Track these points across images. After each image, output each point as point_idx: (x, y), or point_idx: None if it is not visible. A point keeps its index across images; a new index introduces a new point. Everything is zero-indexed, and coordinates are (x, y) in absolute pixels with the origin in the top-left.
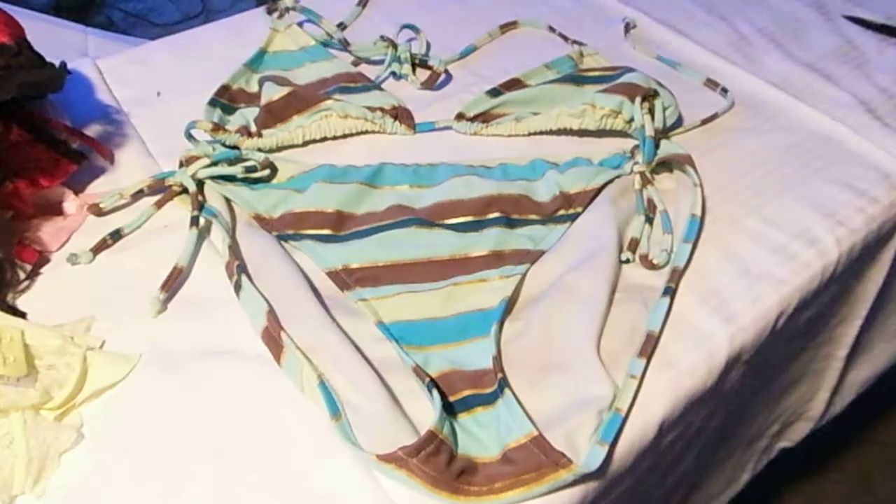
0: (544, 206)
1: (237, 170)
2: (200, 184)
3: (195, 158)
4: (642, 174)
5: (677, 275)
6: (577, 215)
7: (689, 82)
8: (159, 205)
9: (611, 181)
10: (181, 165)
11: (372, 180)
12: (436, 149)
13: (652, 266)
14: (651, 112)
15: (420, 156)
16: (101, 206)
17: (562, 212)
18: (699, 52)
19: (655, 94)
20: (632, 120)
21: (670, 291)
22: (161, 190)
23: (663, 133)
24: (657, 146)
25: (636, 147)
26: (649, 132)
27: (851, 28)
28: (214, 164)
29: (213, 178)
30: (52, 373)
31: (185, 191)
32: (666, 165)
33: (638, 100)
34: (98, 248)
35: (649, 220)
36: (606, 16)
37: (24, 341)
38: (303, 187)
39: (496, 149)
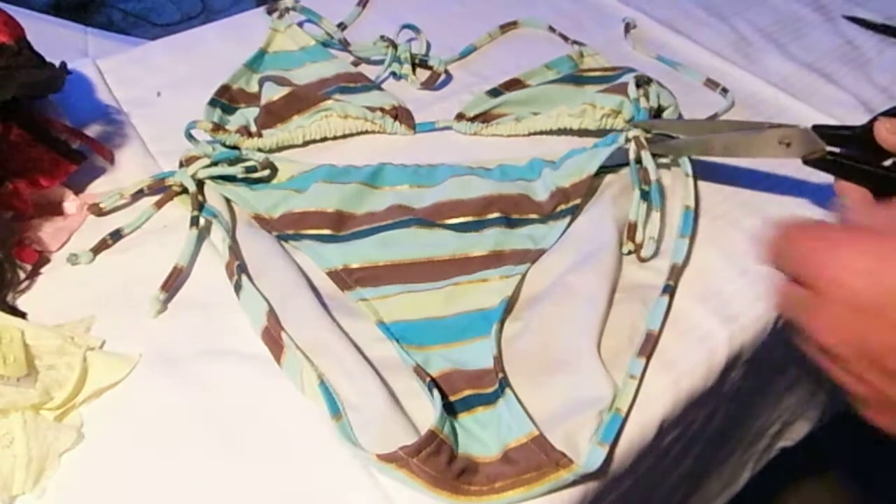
0: (543, 205)
1: (237, 170)
2: (200, 184)
3: (195, 158)
4: (636, 139)
5: (676, 272)
6: (576, 207)
7: (689, 82)
8: (159, 205)
9: (605, 172)
10: (181, 165)
11: (372, 180)
12: (436, 149)
13: (641, 258)
14: (646, 97)
15: (420, 156)
16: (102, 206)
17: (561, 207)
18: (699, 52)
19: (648, 81)
20: (632, 119)
21: (670, 289)
22: (161, 190)
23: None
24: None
25: (632, 122)
26: (644, 105)
27: (851, 28)
28: (214, 164)
29: (213, 178)
30: (52, 373)
31: (185, 191)
32: (664, 164)
33: (632, 82)
34: (98, 248)
35: (644, 196)
36: (606, 16)
37: (24, 341)
38: (303, 187)
39: (496, 149)
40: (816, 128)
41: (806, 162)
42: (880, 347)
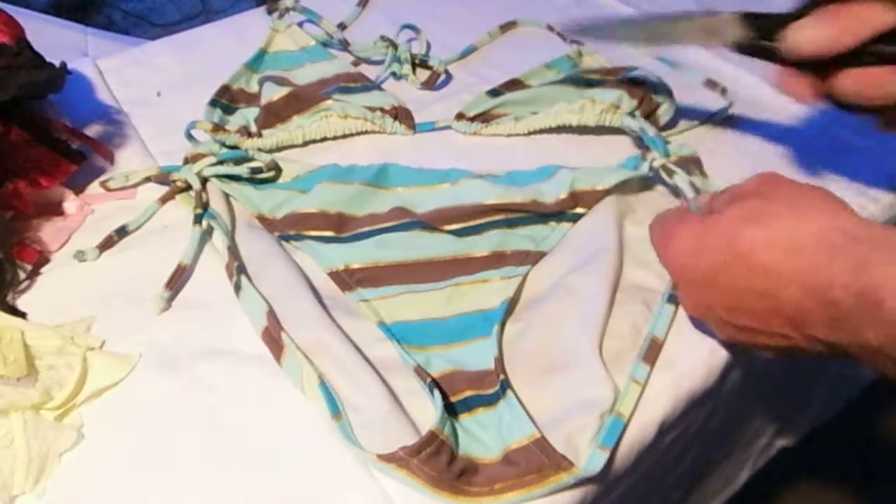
0: (549, 207)
1: (243, 170)
2: (204, 182)
3: (201, 156)
4: (664, 167)
5: None
6: (580, 216)
7: (688, 82)
8: (163, 200)
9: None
10: (186, 162)
11: (377, 180)
12: (436, 149)
13: None
14: (654, 111)
15: (420, 156)
16: (108, 183)
17: (566, 211)
18: (699, 51)
19: (646, 93)
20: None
21: (675, 300)
22: (165, 183)
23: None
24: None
25: (647, 149)
26: (652, 133)
27: None
28: (220, 162)
29: (217, 176)
30: (52, 373)
31: (187, 188)
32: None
33: (625, 104)
34: (104, 245)
35: None
36: (607, 16)
37: (24, 341)
38: (307, 188)
39: (496, 149)
40: (747, 15)
41: (739, 49)
42: (722, 310)
